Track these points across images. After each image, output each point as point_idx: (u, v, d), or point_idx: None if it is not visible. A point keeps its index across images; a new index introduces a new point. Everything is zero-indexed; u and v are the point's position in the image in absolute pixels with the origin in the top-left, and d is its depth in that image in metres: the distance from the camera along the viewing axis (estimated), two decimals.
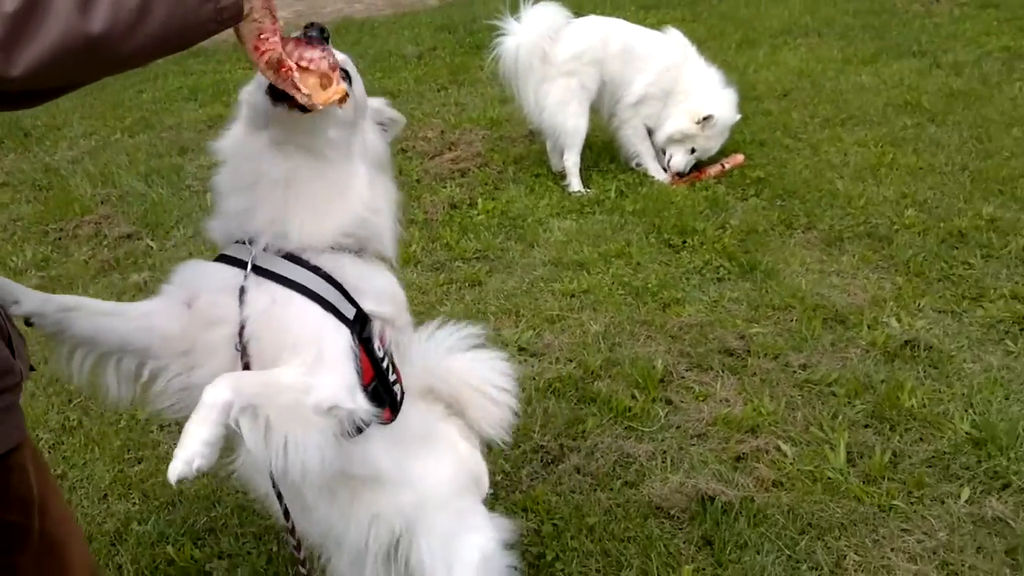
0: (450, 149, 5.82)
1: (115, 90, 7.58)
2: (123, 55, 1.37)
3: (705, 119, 5.17)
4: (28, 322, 1.81)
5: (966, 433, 3.16)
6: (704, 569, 2.71)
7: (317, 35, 1.75)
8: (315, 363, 1.75)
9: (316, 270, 1.82)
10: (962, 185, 4.98)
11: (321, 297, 1.79)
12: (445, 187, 5.33)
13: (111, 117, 6.97)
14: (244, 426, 1.68)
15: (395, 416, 1.99)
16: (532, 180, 5.44)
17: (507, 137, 6.09)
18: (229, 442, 1.80)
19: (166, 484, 3.10)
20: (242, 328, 1.79)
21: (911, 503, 2.91)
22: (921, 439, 3.18)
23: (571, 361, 3.68)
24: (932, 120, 5.94)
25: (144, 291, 4.14)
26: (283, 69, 1.70)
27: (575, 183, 5.27)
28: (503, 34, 5.29)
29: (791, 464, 3.09)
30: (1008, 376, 3.45)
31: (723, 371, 3.61)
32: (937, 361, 3.57)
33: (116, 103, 7.28)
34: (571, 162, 5.29)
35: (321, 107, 1.71)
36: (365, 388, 1.83)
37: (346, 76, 1.84)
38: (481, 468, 2.38)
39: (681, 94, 5.30)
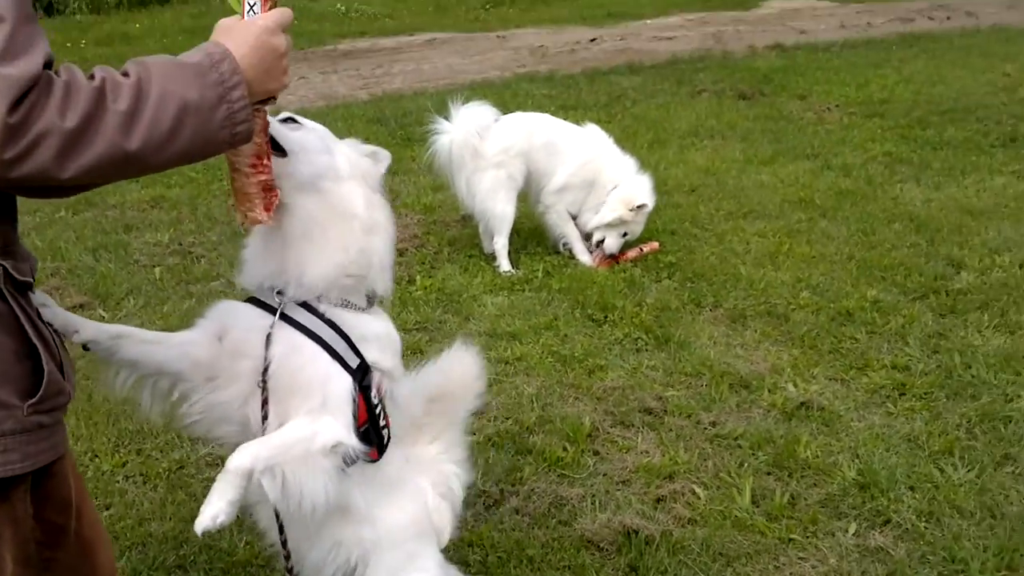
0: None
1: None
2: (151, 166, 1.63)
3: (639, 207, 5.68)
4: (85, 347, 2.14)
5: (853, 479, 3.62)
6: None
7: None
8: (319, 407, 2.10)
9: (328, 321, 2.16)
10: (849, 272, 5.57)
11: (330, 346, 2.15)
12: None
13: None
14: (266, 485, 2.03)
15: (380, 456, 2.30)
16: (466, 260, 5.87)
17: (441, 221, 6.53)
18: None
19: (135, 526, 3.41)
20: (266, 367, 2.13)
21: (807, 536, 3.35)
22: (815, 484, 3.64)
23: (508, 419, 4.07)
24: (823, 215, 6.55)
25: None
26: (272, 194, 2.03)
27: (505, 264, 5.73)
28: (437, 132, 5.79)
29: (704, 504, 3.52)
30: (888, 432, 3.95)
31: (643, 427, 4.04)
32: (828, 420, 4.06)
33: None
34: (500, 244, 5.75)
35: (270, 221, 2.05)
36: (357, 430, 2.15)
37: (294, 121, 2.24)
38: (444, 521, 2.61)
39: (605, 184, 5.81)
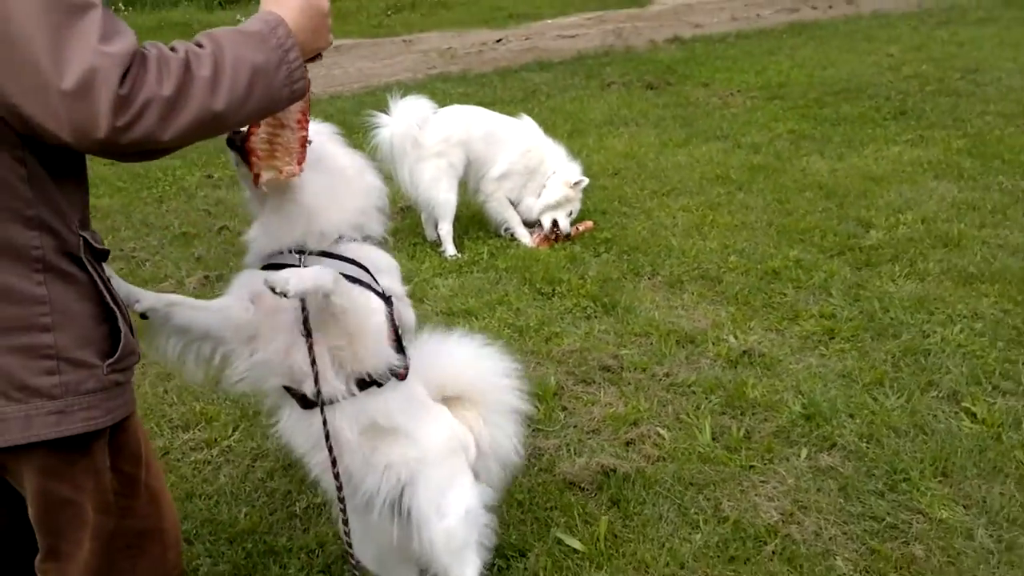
0: None
1: None
2: (230, 124, 1.86)
3: (576, 183, 6.05)
4: (144, 316, 2.33)
5: (799, 412, 3.99)
6: (615, 521, 3.38)
7: None
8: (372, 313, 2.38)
9: (350, 260, 2.41)
10: (771, 236, 5.99)
11: (360, 280, 2.40)
12: None
13: None
14: (335, 300, 2.26)
15: (406, 376, 2.53)
16: (412, 248, 6.12)
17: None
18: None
19: None
20: (305, 316, 2.34)
21: (765, 463, 3.69)
22: (766, 419, 4.00)
23: None
24: (740, 189, 6.98)
25: None
26: (305, 150, 2.24)
27: (450, 249, 5.99)
28: (377, 125, 6.02)
29: (669, 444, 3.84)
30: (824, 371, 4.33)
31: (604, 383, 4.35)
32: (769, 364, 4.43)
33: None
34: (444, 231, 6.02)
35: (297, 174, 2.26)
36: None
37: None
38: (469, 438, 2.78)
39: (544, 170, 6.16)
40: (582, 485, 3.60)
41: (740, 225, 6.23)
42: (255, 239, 2.47)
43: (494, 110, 6.63)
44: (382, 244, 2.61)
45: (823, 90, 10.02)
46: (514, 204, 6.24)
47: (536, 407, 4.12)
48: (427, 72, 12.17)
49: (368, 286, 2.40)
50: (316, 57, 2.03)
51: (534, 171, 6.17)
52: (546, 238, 6.12)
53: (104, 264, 2.01)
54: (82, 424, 1.86)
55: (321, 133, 2.51)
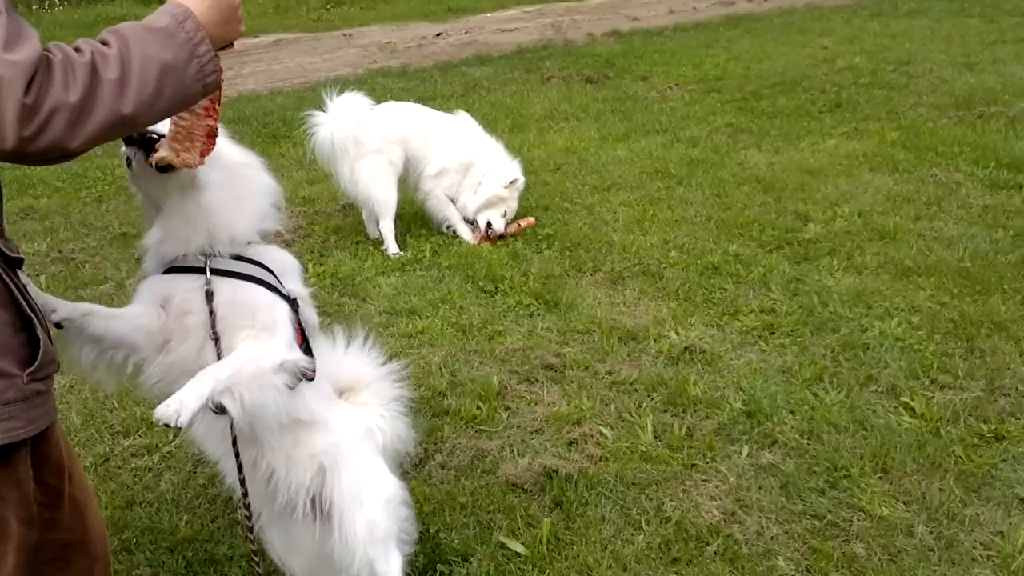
0: None
1: None
2: (141, 124, 1.82)
3: (512, 182, 6.00)
4: (58, 325, 2.27)
5: (740, 408, 4.01)
6: (558, 524, 3.37)
7: None
8: (263, 329, 2.33)
9: (255, 262, 2.40)
10: (710, 231, 6.03)
11: (265, 282, 2.38)
12: None
13: None
14: (227, 404, 2.23)
15: (314, 377, 2.53)
16: (354, 247, 6.04)
17: (322, 212, 6.67)
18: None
19: None
20: (212, 315, 2.33)
21: (707, 461, 3.71)
22: (707, 416, 4.02)
23: (420, 386, 4.28)
24: (679, 183, 7.01)
25: None
26: (211, 142, 2.20)
27: (392, 247, 5.93)
28: (315, 124, 5.93)
29: (612, 443, 3.84)
30: (764, 367, 4.37)
31: (547, 382, 4.34)
32: (710, 360, 4.45)
33: None
34: (386, 228, 5.96)
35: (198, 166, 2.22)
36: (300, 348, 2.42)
37: None
38: (372, 424, 2.83)
39: (479, 166, 6.10)
40: (525, 487, 3.59)
41: (680, 220, 6.26)
42: (156, 243, 2.42)
43: (434, 105, 6.60)
44: (283, 243, 2.61)
45: (759, 83, 10.13)
46: (452, 201, 6.19)
47: (479, 408, 4.11)
48: (367, 67, 12.07)
49: (275, 289, 2.40)
50: (228, 46, 1.99)
51: (469, 168, 6.13)
52: (485, 236, 6.08)
53: (20, 272, 1.95)
54: (2, 435, 1.80)
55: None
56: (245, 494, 2.47)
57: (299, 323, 2.46)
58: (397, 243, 5.97)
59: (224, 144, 2.46)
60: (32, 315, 1.87)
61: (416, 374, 4.39)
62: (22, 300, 1.85)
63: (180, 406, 2.11)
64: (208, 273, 2.35)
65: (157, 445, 3.95)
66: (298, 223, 6.37)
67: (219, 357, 2.32)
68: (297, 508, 2.60)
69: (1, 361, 1.79)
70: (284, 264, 2.53)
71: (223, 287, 2.34)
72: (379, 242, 6.04)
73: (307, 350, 2.47)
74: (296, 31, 15.19)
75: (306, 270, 5.47)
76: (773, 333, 4.70)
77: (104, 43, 1.72)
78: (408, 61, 12.27)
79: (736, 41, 12.69)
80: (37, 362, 1.85)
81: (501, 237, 6.09)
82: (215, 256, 2.37)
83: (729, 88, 10.01)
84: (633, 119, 9.01)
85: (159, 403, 2.13)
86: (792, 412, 3.99)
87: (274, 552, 2.77)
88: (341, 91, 6.03)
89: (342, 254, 5.90)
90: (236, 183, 2.44)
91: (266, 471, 2.54)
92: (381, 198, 5.93)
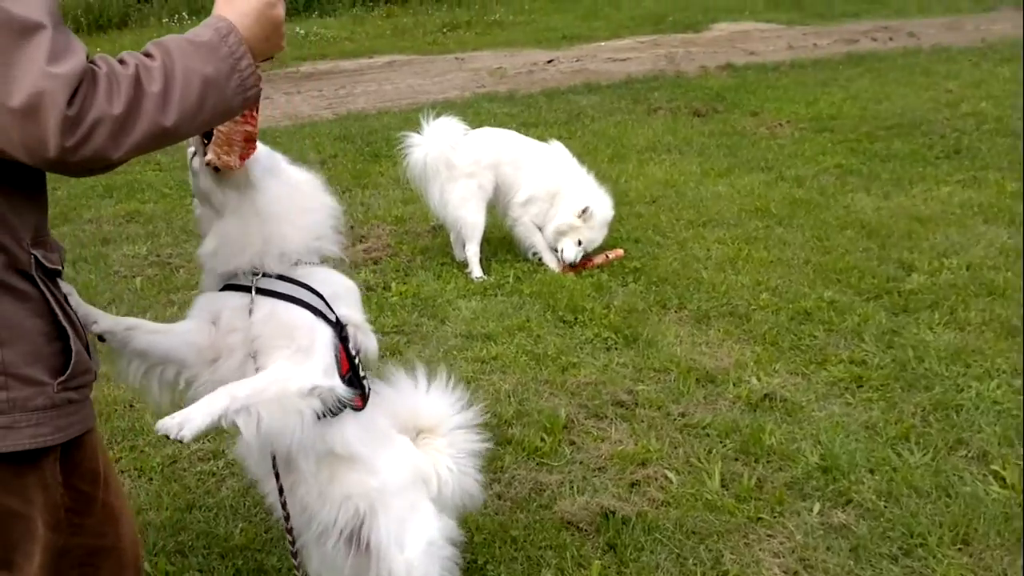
0: (361, 241, 6.38)
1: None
2: (183, 136, 1.82)
3: (583, 211, 5.89)
4: (101, 338, 2.29)
5: (816, 463, 3.82)
6: (609, 567, 3.25)
7: None
8: (299, 351, 2.28)
9: (302, 284, 2.36)
10: (806, 275, 5.81)
11: (309, 304, 2.34)
12: (360, 273, 5.86)
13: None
14: (240, 423, 2.18)
15: (364, 405, 2.48)
16: (439, 268, 6.03)
17: (412, 232, 6.70)
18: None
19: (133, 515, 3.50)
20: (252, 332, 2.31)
21: (774, 515, 3.53)
22: (780, 468, 3.84)
23: (487, 413, 4.17)
24: (779, 223, 6.80)
25: None
26: (251, 146, 2.21)
27: (476, 270, 5.90)
28: (410, 145, 5.97)
29: (676, 488, 3.70)
30: (847, 421, 4.16)
31: (616, 419, 4.22)
32: (791, 410, 4.26)
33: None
34: (472, 252, 5.94)
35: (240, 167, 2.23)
36: (342, 377, 2.35)
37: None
38: (430, 471, 2.76)
39: (565, 196, 6.02)
40: (580, 525, 3.48)
41: (776, 261, 6.06)
42: (210, 254, 2.41)
43: (536, 132, 6.59)
44: (340, 266, 2.57)
45: (875, 124, 9.78)
46: (539, 228, 6.12)
47: (543, 439, 4.01)
48: (475, 91, 12.14)
49: (320, 313, 2.34)
50: (268, 58, 1.99)
51: (555, 196, 6.06)
52: (570, 265, 5.99)
53: (60, 281, 1.97)
54: (29, 440, 1.83)
55: (274, 156, 2.49)
56: (287, 517, 2.43)
57: (345, 350, 2.40)
58: (481, 267, 5.93)
59: (282, 164, 2.47)
60: (67, 325, 1.89)
61: (484, 400, 4.33)
62: (57, 310, 1.87)
63: (184, 420, 2.09)
64: (253, 292, 2.33)
65: (223, 451, 3.97)
66: (387, 241, 6.40)
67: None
68: (330, 540, 2.55)
69: (32, 369, 1.83)
70: (336, 287, 2.46)
71: (263, 304, 2.32)
72: (464, 265, 6.02)
73: (353, 380, 2.41)
74: (411, 53, 15.41)
75: (388, 288, 5.56)
76: (861, 386, 4.48)
77: (148, 56, 1.74)
78: (516, 87, 12.29)
79: (855, 80, 12.32)
80: (68, 371, 1.88)
81: (573, 267, 6.00)
82: (263, 276, 2.35)
83: (842, 128, 9.69)
84: (738, 155, 8.80)
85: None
86: (871, 471, 3.78)
87: (313, 572, 2.72)
88: (441, 114, 6.05)
89: (426, 274, 5.90)
90: (293, 197, 2.42)
91: (301, 501, 2.50)
92: (469, 221, 5.91)
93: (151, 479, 3.77)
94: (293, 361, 2.26)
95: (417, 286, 5.68)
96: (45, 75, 1.55)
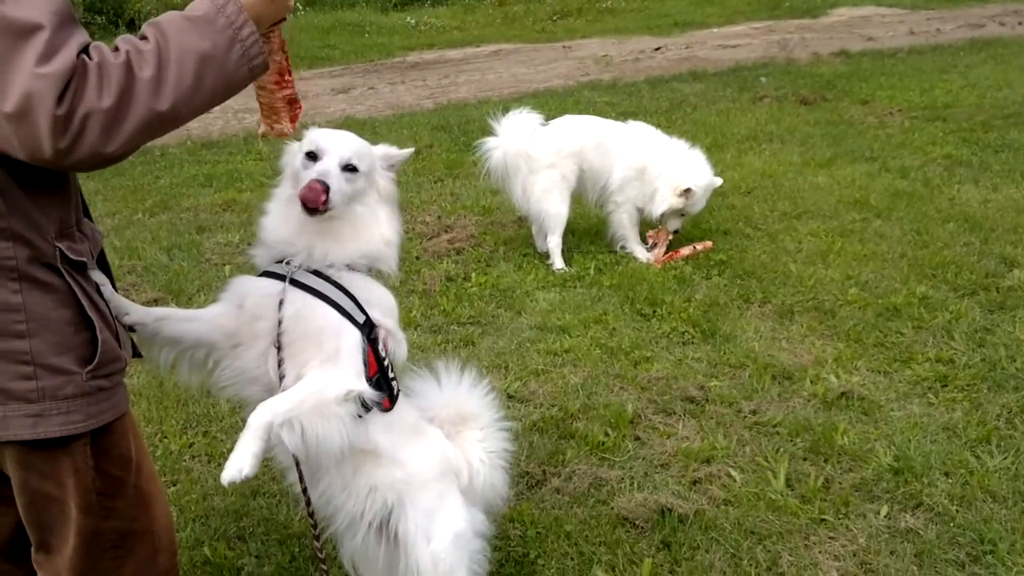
0: (446, 231, 6.45)
1: (134, 176, 8.17)
2: (184, 119, 1.77)
3: (686, 191, 5.78)
4: (131, 329, 2.35)
5: (888, 464, 3.70)
6: (663, 565, 3.21)
7: None
8: (330, 358, 2.30)
9: (336, 284, 2.38)
10: (900, 270, 5.60)
11: (338, 304, 2.35)
12: (442, 263, 5.93)
13: (132, 200, 7.53)
14: (285, 437, 2.22)
15: (392, 406, 2.50)
16: (520, 259, 6.05)
17: (498, 222, 6.73)
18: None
19: (199, 500, 3.63)
20: (280, 325, 2.34)
21: (838, 517, 3.43)
22: (850, 469, 3.73)
23: (553, 406, 4.23)
24: (878, 215, 6.57)
25: None
26: (297, 107, 2.21)
27: (558, 262, 5.89)
28: (488, 147, 5.98)
29: (739, 487, 3.63)
30: (927, 421, 4.00)
31: (684, 415, 4.16)
32: (868, 409, 4.13)
33: (136, 187, 7.86)
34: (554, 243, 5.93)
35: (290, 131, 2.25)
36: (369, 379, 2.36)
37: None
38: (461, 463, 2.74)
39: (654, 168, 5.92)
40: (636, 522, 3.44)
41: (869, 255, 5.86)
42: (268, 233, 2.50)
43: (638, 120, 6.45)
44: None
45: (992, 113, 9.35)
46: (640, 210, 6.07)
47: (607, 434, 3.99)
48: (579, 79, 12.09)
49: (348, 315, 2.36)
50: (280, 21, 1.97)
51: (643, 172, 5.97)
52: (659, 258, 5.92)
53: (94, 272, 2.04)
54: (59, 428, 1.89)
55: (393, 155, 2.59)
56: (308, 502, 2.48)
57: (375, 352, 2.41)
58: (563, 259, 5.91)
59: (383, 179, 2.53)
60: (94, 315, 1.94)
61: (551, 393, 4.34)
62: (84, 301, 1.92)
63: (239, 459, 2.13)
64: (287, 282, 2.37)
65: None
66: (472, 231, 6.45)
67: (280, 370, 2.33)
68: (359, 532, 2.57)
69: (61, 358, 1.88)
70: (372, 294, 2.46)
71: (294, 299, 2.35)
72: (546, 256, 6.01)
73: (381, 382, 2.43)
74: (518, 42, 15.44)
75: (469, 279, 5.60)
76: (946, 386, 4.31)
77: (144, 38, 1.73)
78: (621, 75, 12.20)
79: (976, 67, 11.79)
80: (96, 360, 1.93)
81: (675, 231, 5.99)
82: (301, 268, 2.39)
83: (957, 117, 9.30)
84: (843, 144, 8.53)
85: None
86: (946, 474, 3.64)
87: (346, 561, 2.77)
88: (515, 108, 6.02)
89: (507, 265, 5.92)
90: (362, 231, 2.46)
91: (325, 493, 2.53)
92: (552, 212, 5.90)
93: (220, 464, 3.86)
94: (324, 368, 2.29)
95: (497, 277, 5.71)
96: (34, 76, 1.57)
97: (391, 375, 2.46)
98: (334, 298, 2.35)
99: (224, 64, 1.78)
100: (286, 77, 2.15)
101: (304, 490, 2.47)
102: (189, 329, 2.40)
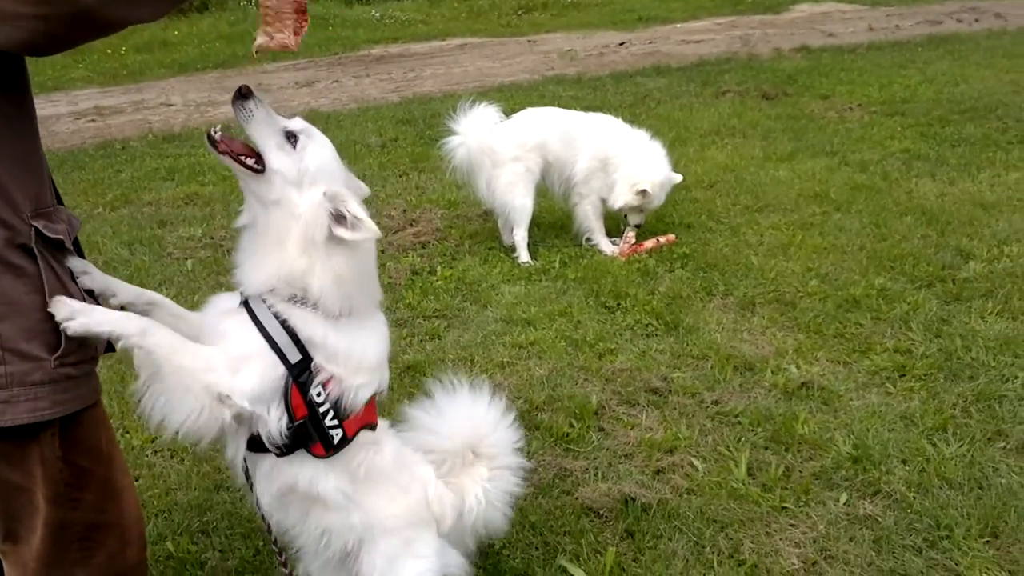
0: (412, 225, 6.46)
1: (94, 169, 8.10)
2: (114, 18, 1.69)
3: (642, 192, 5.82)
4: (122, 309, 2.27)
5: (847, 453, 3.76)
6: (626, 554, 3.25)
7: None
8: (238, 360, 2.19)
9: (276, 316, 2.23)
10: (859, 262, 5.68)
11: (271, 337, 2.22)
12: (407, 256, 5.94)
13: (92, 193, 7.47)
14: (136, 358, 2.11)
15: (330, 453, 2.32)
16: (486, 252, 6.07)
17: (463, 216, 6.75)
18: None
19: (162, 495, 3.62)
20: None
21: (799, 505, 3.49)
22: (810, 457, 3.79)
23: (519, 398, 4.25)
24: (838, 209, 6.66)
25: None
26: (303, 18, 2.02)
27: (524, 255, 5.92)
28: (451, 143, 5.99)
29: (701, 476, 3.68)
30: (885, 410, 4.08)
31: (648, 406, 4.20)
32: (827, 399, 4.20)
33: (96, 181, 7.79)
34: (519, 236, 5.95)
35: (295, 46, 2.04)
36: (293, 422, 2.23)
37: (293, 143, 2.26)
38: (445, 510, 2.63)
39: (615, 159, 5.96)
40: (600, 512, 3.48)
41: (829, 248, 5.94)
42: (238, 255, 2.35)
43: (602, 114, 6.48)
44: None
45: (949, 108, 9.50)
46: (604, 201, 6.10)
47: (572, 426, 4.03)
48: (544, 73, 12.12)
49: (279, 350, 2.22)
50: None
51: (608, 164, 6.00)
52: (625, 251, 5.98)
53: (76, 259, 2.04)
54: (27, 415, 1.87)
55: (297, 201, 2.27)
56: (269, 529, 2.45)
57: (304, 395, 2.24)
58: (529, 252, 5.94)
59: (297, 227, 2.24)
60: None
61: (516, 385, 4.37)
62: (55, 285, 1.90)
63: (83, 312, 1.95)
64: (239, 303, 2.29)
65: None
66: (437, 225, 6.46)
67: None
68: (317, 562, 2.52)
69: (30, 344, 1.86)
70: (315, 335, 2.25)
71: (230, 315, 2.28)
72: (511, 249, 6.04)
73: (310, 434, 2.27)
74: (484, 36, 15.45)
75: (434, 272, 5.62)
76: (903, 375, 4.39)
77: None
78: (585, 69, 12.25)
79: (933, 63, 11.96)
80: (61, 348, 1.91)
81: (624, 253, 5.99)
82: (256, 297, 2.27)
83: (914, 112, 9.43)
84: (803, 139, 8.63)
85: None
86: (904, 462, 3.71)
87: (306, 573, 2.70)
88: (479, 102, 6.02)
89: (473, 259, 5.94)
90: (271, 250, 2.26)
91: (280, 525, 2.46)
92: (516, 205, 5.92)
93: (182, 459, 3.88)
94: (223, 363, 2.18)
95: (463, 270, 5.73)
96: None
97: (331, 423, 2.29)
98: (268, 328, 2.23)
99: None
100: None
101: (263, 516, 2.43)
102: (176, 326, 2.30)
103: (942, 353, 4.55)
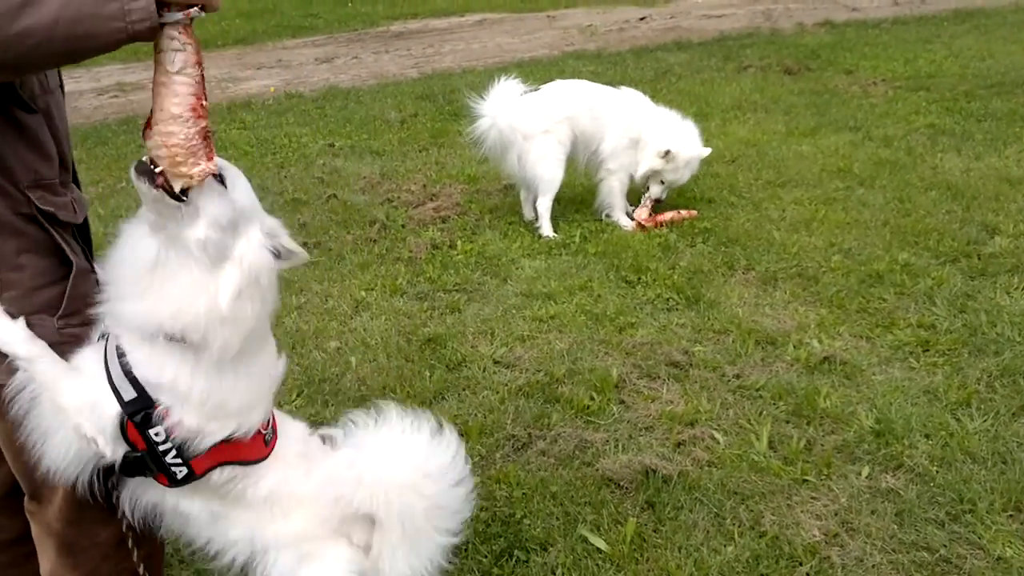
0: (432, 200, 6.45)
1: (117, 144, 8.14)
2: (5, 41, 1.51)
3: (666, 153, 5.82)
4: None
5: (869, 427, 3.74)
6: (647, 525, 3.25)
7: None
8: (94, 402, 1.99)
9: (120, 355, 1.97)
10: (883, 237, 5.64)
11: (108, 371, 1.98)
12: (428, 231, 5.94)
13: (115, 168, 7.48)
14: (17, 377, 1.93)
15: (176, 484, 2.09)
16: (506, 227, 6.06)
17: (484, 191, 6.74)
18: None
19: None
20: None
21: (820, 478, 3.48)
22: (832, 431, 3.77)
23: (539, 371, 4.25)
24: (861, 184, 6.61)
25: None
26: (211, 142, 1.78)
27: (546, 226, 5.90)
28: (480, 121, 5.93)
29: (722, 448, 3.67)
30: (908, 385, 4.05)
31: (669, 379, 4.20)
32: (850, 373, 4.17)
33: (119, 156, 7.80)
34: (544, 207, 5.92)
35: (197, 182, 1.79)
36: (135, 453, 2.02)
37: (221, 181, 1.90)
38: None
39: (646, 139, 5.95)
40: (621, 483, 3.48)
41: (852, 223, 5.90)
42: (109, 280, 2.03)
43: (632, 90, 6.44)
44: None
45: (975, 83, 9.39)
46: (632, 177, 6.10)
47: (592, 398, 4.03)
48: (564, 49, 12.06)
49: (116, 390, 1.98)
50: (200, 7, 1.71)
51: (636, 141, 5.99)
52: (641, 224, 5.95)
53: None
54: None
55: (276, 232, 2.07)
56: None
57: (142, 432, 1.99)
58: (551, 225, 5.92)
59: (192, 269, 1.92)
60: (72, 266, 1.96)
61: (537, 358, 4.37)
62: (65, 249, 1.95)
63: None
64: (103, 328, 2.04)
65: (279, 403, 4.07)
66: (457, 200, 6.45)
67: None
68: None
69: (33, 306, 1.92)
70: (164, 379, 1.97)
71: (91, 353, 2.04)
72: (532, 223, 6.02)
73: (149, 467, 2.05)
74: (503, 11, 15.38)
75: (454, 247, 5.62)
76: (927, 350, 4.35)
77: None
78: (606, 45, 12.18)
79: (960, 37, 11.83)
80: (62, 308, 1.95)
81: (643, 227, 5.97)
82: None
83: (940, 87, 9.33)
84: (827, 114, 8.56)
85: None
86: (927, 436, 3.69)
87: None
88: (505, 77, 5.98)
89: (493, 233, 5.93)
90: (164, 286, 1.94)
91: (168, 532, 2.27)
92: (546, 177, 5.89)
93: None
94: (91, 398, 1.98)
95: (483, 244, 5.73)
96: None
97: (174, 461, 2.04)
98: (108, 361, 1.99)
99: (96, 14, 1.56)
100: (203, 103, 1.76)
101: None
102: None
103: (967, 328, 4.51)
